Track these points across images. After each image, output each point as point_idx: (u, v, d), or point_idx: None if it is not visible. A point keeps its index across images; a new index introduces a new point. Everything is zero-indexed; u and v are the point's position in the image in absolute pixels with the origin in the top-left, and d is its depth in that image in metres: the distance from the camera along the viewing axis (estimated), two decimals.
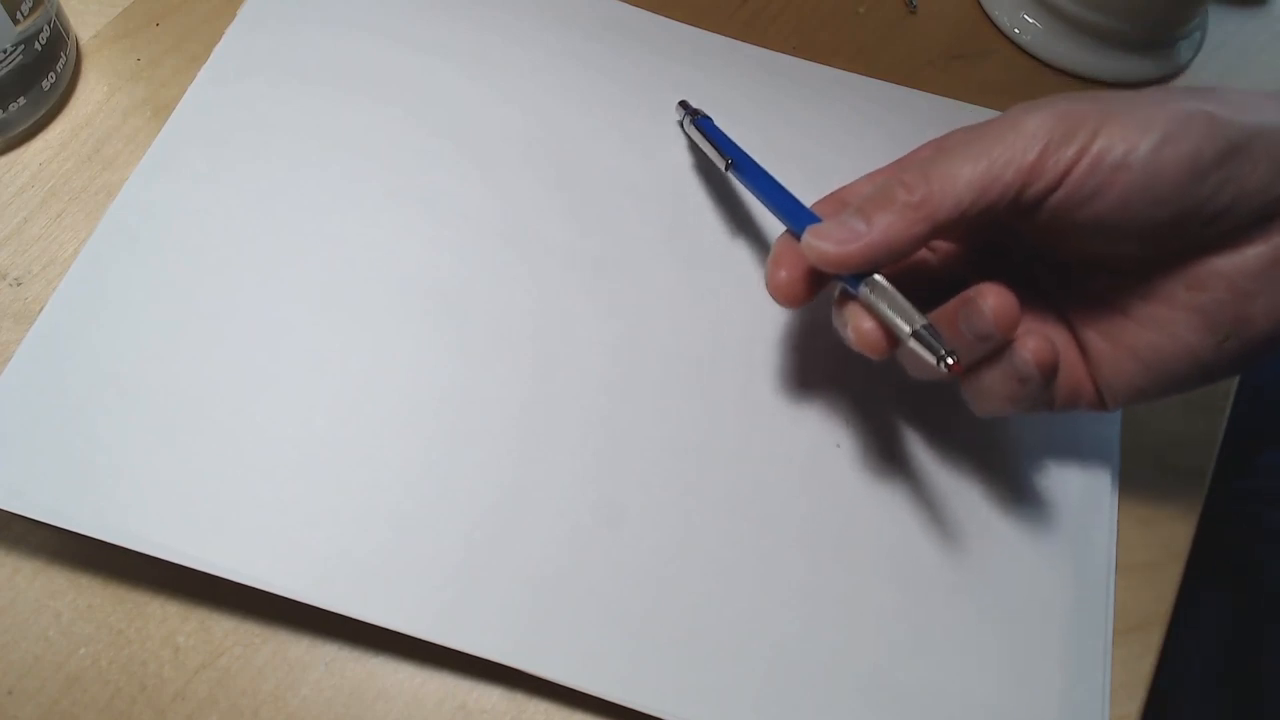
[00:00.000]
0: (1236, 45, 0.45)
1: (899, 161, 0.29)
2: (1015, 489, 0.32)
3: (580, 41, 0.40)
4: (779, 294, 0.29)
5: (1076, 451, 0.33)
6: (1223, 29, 0.45)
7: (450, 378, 0.31)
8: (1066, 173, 0.25)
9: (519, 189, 0.35)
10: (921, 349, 0.25)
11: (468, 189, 0.35)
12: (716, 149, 0.34)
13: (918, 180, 0.26)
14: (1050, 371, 0.26)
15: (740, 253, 0.35)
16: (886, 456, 0.32)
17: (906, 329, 0.25)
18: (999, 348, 0.26)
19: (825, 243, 0.26)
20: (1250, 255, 0.26)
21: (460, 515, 0.29)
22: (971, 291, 0.25)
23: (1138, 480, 0.33)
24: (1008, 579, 0.30)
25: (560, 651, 0.28)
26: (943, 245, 0.32)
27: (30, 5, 0.33)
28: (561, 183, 0.36)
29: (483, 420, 0.31)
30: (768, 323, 0.34)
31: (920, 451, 0.32)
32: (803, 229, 0.27)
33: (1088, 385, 0.29)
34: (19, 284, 0.33)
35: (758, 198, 0.32)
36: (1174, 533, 0.32)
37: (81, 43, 0.38)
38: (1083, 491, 0.32)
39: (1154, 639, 0.30)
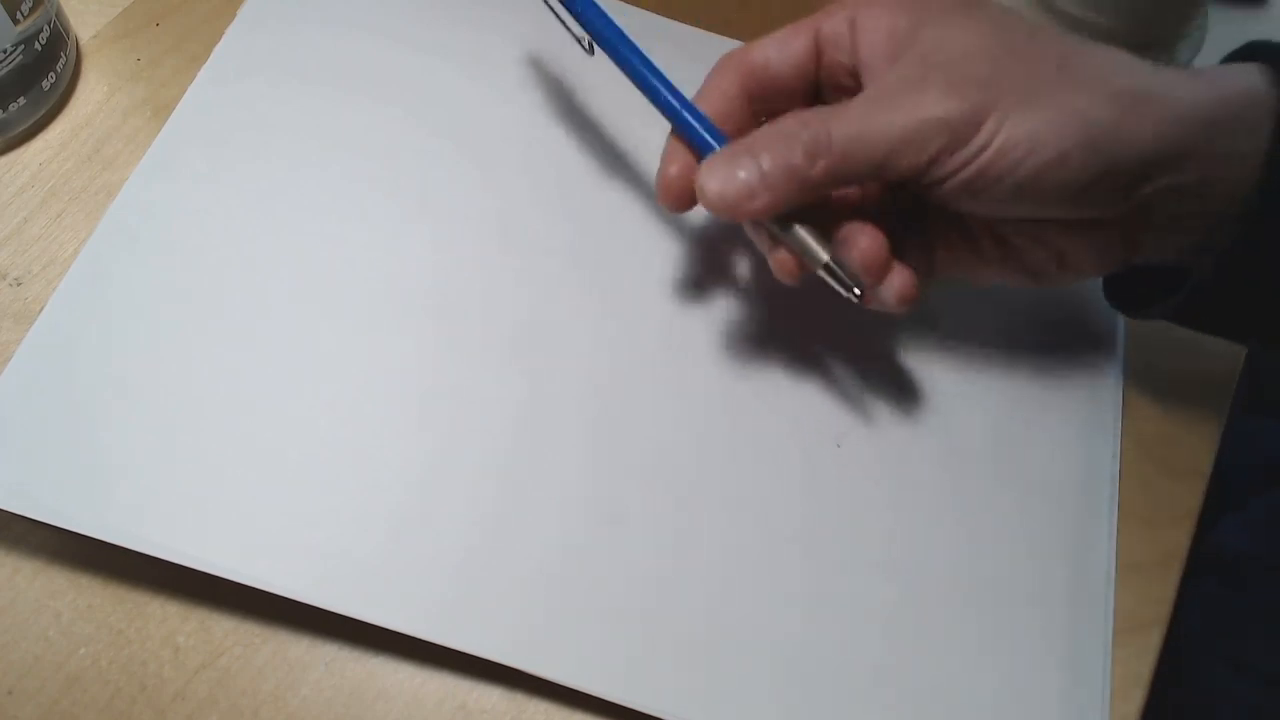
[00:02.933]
0: (1236, 45, 0.45)
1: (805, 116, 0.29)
2: (1016, 488, 0.32)
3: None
4: (667, 194, 0.29)
5: (1077, 452, 0.33)
6: (1223, 29, 0.45)
7: (450, 378, 0.31)
8: (958, 170, 0.26)
9: (519, 189, 0.35)
10: (832, 281, 0.28)
11: (467, 189, 0.35)
12: (577, 20, 0.30)
13: (818, 150, 0.26)
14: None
15: (739, 251, 0.35)
16: (887, 455, 0.32)
17: (821, 259, 0.28)
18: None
19: (719, 198, 0.27)
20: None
21: (460, 515, 0.29)
22: (844, 233, 0.27)
23: (1138, 480, 0.33)
24: (1008, 579, 0.30)
25: (560, 651, 0.28)
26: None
27: (30, 5, 0.33)
28: (561, 183, 0.36)
29: (482, 420, 0.31)
30: (767, 321, 0.34)
31: (921, 450, 0.32)
32: (687, 127, 0.29)
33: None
34: (19, 284, 0.33)
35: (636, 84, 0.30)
36: (1174, 533, 0.32)
37: (81, 43, 0.38)
38: (1083, 491, 0.32)
39: (1154, 639, 0.30)
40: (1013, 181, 0.26)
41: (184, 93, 0.35)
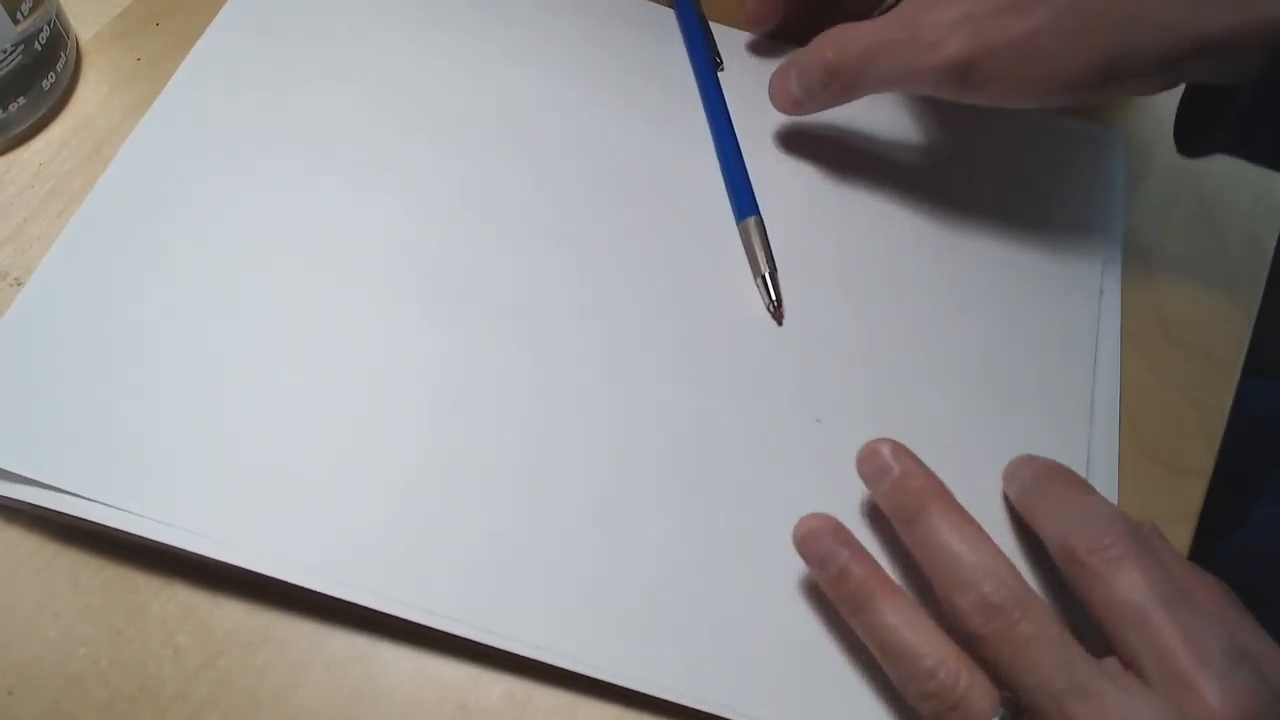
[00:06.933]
0: None
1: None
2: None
3: (583, 32, 0.40)
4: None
5: (1076, 452, 0.33)
6: None
7: (455, 366, 0.32)
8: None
9: (513, 182, 0.36)
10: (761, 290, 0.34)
11: (464, 181, 0.35)
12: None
13: (837, 68, 0.34)
14: None
15: (729, 229, 0.36)
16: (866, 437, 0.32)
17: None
18: None
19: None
20: None
21: (461, 515, 0.29)
22: None
23: (1138, 480, 0.33)
24: None
25: (566, 641, 0.28)
26: None
27: (30, 5, 0.33)
28: (565, 175, 0.36)
29: (490, 406, 0.31)
30: (750, 303, 0.34)
31: (916, 444, 0.32)
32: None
33: None
34: (19, 284, 0.33)
35: None
36: (1174, 533, 0.32)
37: (81, 43, 0.38)
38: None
39: None
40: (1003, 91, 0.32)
41: None
